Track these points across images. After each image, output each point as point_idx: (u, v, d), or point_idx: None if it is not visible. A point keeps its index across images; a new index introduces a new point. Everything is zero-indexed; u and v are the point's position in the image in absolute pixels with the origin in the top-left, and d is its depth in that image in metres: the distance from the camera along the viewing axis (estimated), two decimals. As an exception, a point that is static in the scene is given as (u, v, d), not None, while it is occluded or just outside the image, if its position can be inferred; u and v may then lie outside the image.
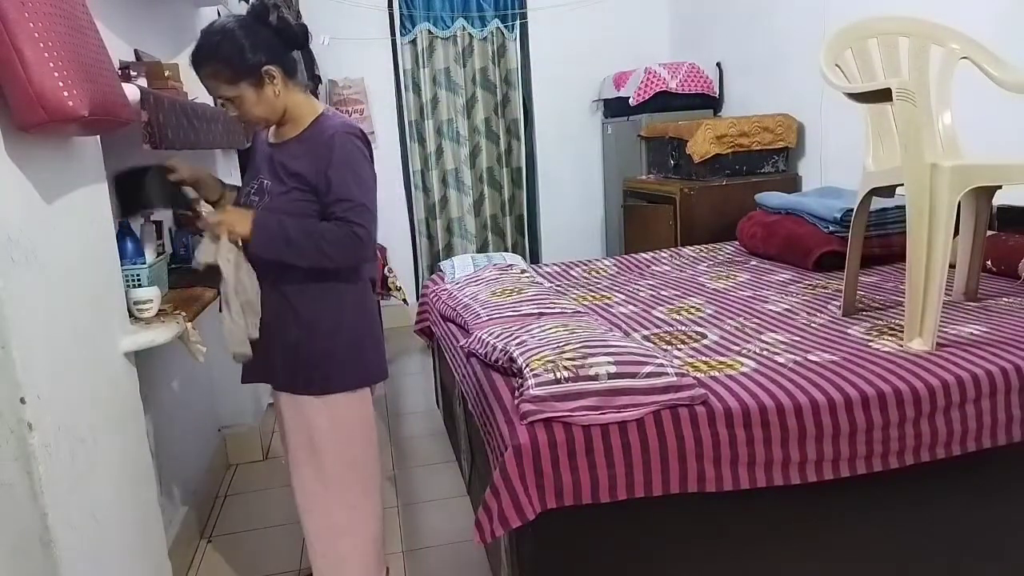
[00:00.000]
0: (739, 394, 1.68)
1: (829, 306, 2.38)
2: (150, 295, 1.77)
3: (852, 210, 2.26)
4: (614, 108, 4.77)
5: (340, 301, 1.71)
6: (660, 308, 2.53)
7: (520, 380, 1.70)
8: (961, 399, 1.72)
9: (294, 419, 1.75)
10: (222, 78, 1.58)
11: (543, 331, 1.94)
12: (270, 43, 1.60)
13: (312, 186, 1.62)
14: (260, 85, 1.60)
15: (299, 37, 1.67)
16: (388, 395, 3.80)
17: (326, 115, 1.69)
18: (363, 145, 1.66)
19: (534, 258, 5.15)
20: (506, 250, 5.09)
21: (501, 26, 4.84)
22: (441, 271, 3.23)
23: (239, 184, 1.92)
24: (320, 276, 1.67)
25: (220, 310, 1.73)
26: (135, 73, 2.04)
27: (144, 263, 1.81)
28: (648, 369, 1.64)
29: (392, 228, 4.77)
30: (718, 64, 4.49)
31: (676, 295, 2.70)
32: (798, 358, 1.89)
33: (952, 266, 2.22)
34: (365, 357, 1.76)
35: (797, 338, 2.07)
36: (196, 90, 2.73)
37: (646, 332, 2.24)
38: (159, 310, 1.80)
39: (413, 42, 4.74)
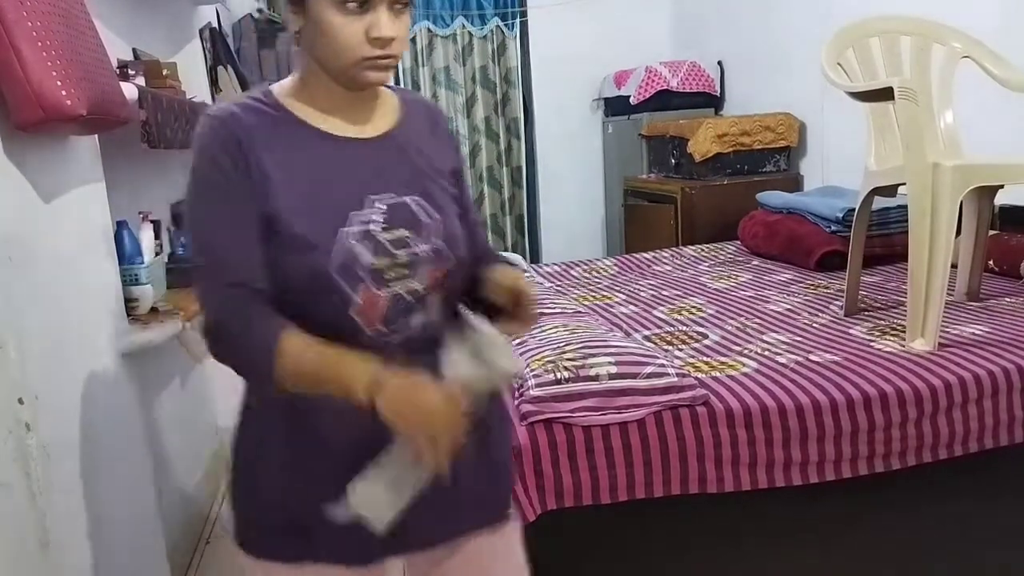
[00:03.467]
0: (740, 394, 1.68)
1: (831, 306, 2.37)
2: (135, 294, 1.76)
3: (854, 209, 2.25)
4: (615, 107, 4.76)
5: (259, 419, 1.06)
6: (661, 308, 2.52)
7: (520, 380, 1.70)
8: (963, 399, 1.71)
9: None
10: None
11: (543, 331, 1.93)
12: None
13: None
14: None
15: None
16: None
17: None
18: (207, 132, 0.93)
19: (534, 258, 5.15)
20: (506, 250, 5.08)
21: (501, 24, 4.83)
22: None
23: None
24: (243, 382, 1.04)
25: None
26: (133, 72, 2.03)
27: (142, 263, 1.80)
28: (649, 369, 1.64)
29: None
30: (719, 63, 4.48)
31: (677, 295, 2.70)
32: (800, 358, 1.89)
33: (954, 266, 2.21)
34: (267, 517, 1.09)
35: (799, 338, 2.06)
36: (195, 89, 2.73)
37: (647, 332, 2.23)
38: (156, 308, 1.79)
39: (412, 40, 4.72)
